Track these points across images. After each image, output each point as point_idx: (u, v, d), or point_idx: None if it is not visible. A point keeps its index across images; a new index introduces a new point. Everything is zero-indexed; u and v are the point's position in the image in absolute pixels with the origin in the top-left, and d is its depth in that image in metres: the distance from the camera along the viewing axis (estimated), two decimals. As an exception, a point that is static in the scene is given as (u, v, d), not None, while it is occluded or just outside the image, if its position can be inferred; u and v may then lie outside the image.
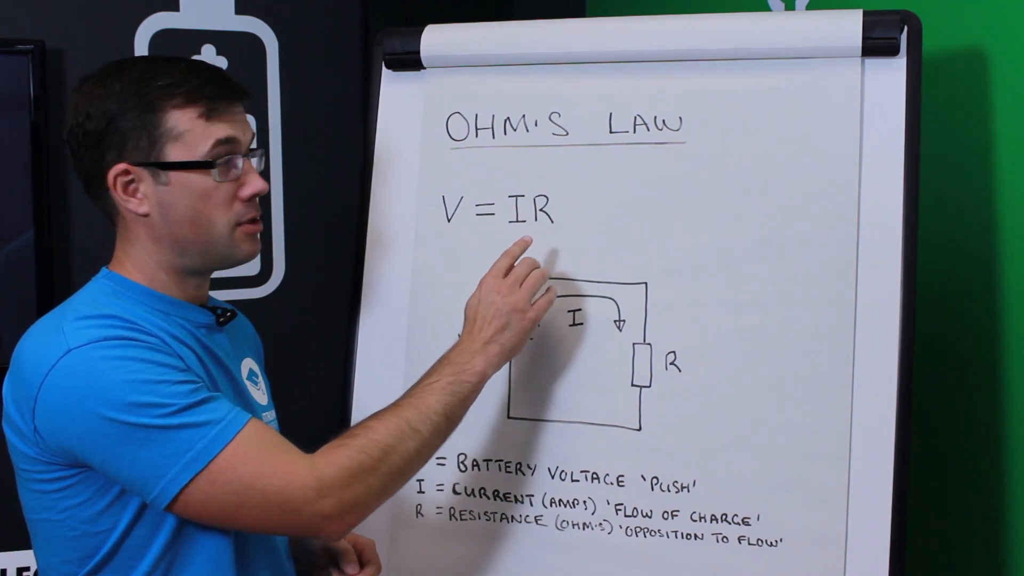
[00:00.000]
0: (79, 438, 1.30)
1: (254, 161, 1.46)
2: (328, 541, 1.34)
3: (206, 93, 1.40)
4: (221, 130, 1.40)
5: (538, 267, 1.67)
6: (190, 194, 1.40)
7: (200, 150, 1.39)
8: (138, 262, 1.43)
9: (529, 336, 1.63)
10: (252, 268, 2.49)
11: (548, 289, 1.67)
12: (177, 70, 1.41)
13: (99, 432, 1.29)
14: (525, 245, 1.69)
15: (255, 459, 1.32)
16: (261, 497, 1.31)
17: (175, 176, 1.39)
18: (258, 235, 1.48)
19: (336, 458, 1.36)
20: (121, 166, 1.39)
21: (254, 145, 1.48)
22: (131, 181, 1.39)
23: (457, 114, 1.82)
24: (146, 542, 1.37)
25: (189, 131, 1.39)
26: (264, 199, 2.49)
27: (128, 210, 1.41)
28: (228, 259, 1.45)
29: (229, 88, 1.43)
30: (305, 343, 2.49)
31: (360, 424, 1.43)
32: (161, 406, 1.29)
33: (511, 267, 1.66)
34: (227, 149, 1.41)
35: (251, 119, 2.43)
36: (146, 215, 1.41)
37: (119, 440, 1.29)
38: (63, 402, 1.30)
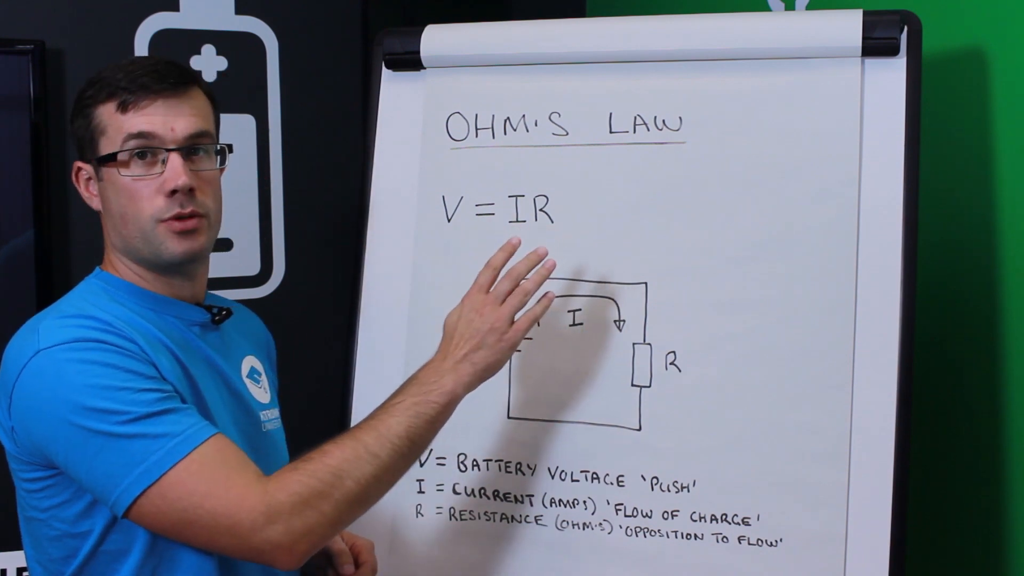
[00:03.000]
0: (46, 439, 1.30)
1: (219, 158, 1.43)
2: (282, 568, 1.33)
3: (123, 86, 1.37)
4: (134, 124, 1.37)
5: (525, 277, 1.53)
6: (116, 189, 1.40)
7: (115, 144, 1.38)
8: (114, 258, 1.45)
9: (508, 355, 1.50)
10: (252, 268, 2.49)
11: (544, 296, 1.55)
12: (122, 66, 1.40)
13: (62, 435, 1.28)
14: (511, 250, 1.56)
15: (207, 478, 1.27)
16: (209, 518, 1.27)
17: (105, 172, 1.40)
18: (195, 232, 1.40)
19: (287, 483, 1.29)
20: (76, 164, 1.44)
21: (220, 143, 1.44)
22: (89, 179, 1.43)
23: (457, 114, 1.81)
24: (125, 548, 1.35)
25: (109, 125, 1.38)
26: (264, 199, 2.51)
27: (92, 206, 1.45)
28: (159, 256, 1.40)
29: (150, 79, 1.38)
30: (305, 343, 2.49)
31: (318, 448, 1.35)
32: (118, 413, 1.27)
33: (494, 280, 1.53)
34: (142, 143, 1.37)
35: (249, 118, 2.44)
36: (99, 211, 1.45)
37: (78, 445, 1.27)
38: (32, 402, 1.30)
